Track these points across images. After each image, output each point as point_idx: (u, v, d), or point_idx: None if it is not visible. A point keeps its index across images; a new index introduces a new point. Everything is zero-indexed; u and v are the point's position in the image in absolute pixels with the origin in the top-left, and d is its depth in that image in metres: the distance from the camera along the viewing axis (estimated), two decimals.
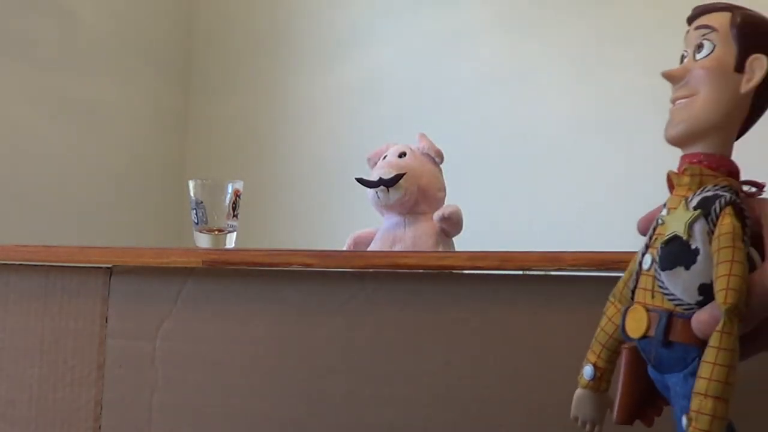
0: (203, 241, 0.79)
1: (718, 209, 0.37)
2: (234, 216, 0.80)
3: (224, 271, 0.64)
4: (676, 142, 0.41)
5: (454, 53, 1.64)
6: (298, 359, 0.61)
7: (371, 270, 0.60)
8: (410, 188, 0.81)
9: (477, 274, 0.59)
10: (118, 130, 1.75)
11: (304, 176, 1.82)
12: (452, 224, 0.81)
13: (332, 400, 0.60)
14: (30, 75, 1.52)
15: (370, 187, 0.82)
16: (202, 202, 0.79)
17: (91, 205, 1.64)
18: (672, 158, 0.41)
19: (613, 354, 0.43)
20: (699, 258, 0.37)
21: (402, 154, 0.85)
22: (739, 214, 0.38)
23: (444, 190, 0.86)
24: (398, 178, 0.81)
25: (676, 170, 0.41)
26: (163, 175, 1.88)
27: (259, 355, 0.62)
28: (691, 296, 0.37)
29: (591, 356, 0.44)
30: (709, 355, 0.35)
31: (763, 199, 0.40)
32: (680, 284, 0.37)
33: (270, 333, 0.62)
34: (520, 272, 0.59)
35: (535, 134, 1.51)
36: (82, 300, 0.66)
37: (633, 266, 0.42)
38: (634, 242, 0.43)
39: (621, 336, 0.42)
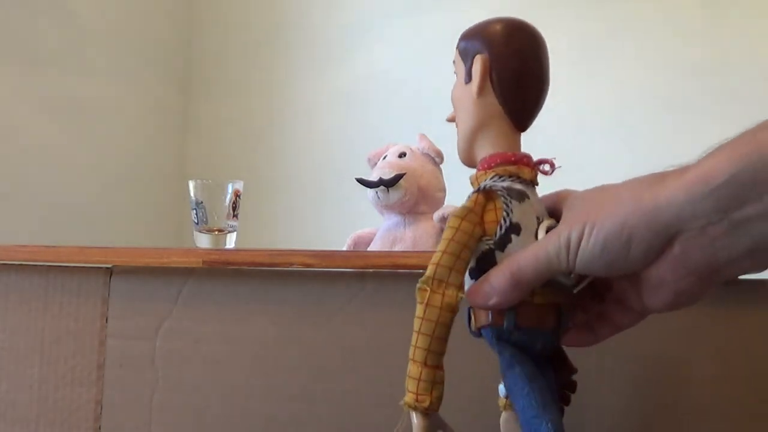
0: (203, 241, 0.79)
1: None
2: (234, 216, 0.80)
3: (224, 271, 0.64)
4: (465, 164, 0.44)
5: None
6: (298, 359, 0.61)
7: (371, 270, 0.60)
8: (410, 188, 0.81)
9: None
10: (119, 131, 1.75)
11: (304, 176, 1.82)
12: None
13: (332, 400, 0.60)
14: (30, 75, 1.52)
15: (370, 187, 0.82)
16: (202, 202, 0.79)
17: (91, 205, 1.64)
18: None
19: None
20: None
21: (402, 155, 0.85)
22: (487, 196, 0.40)
23: (444, 190, 0.86)
24: (398, 178, 0.81)
25: None
26: (163, 175, 1.88)
27: (259, 355, 0.62)
28: None
29: None
30: None
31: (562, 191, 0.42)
32: None
33: (270, 333, 0.62)
34: None
35: (535, 133, 1.51)
36: (82, 300, 0.66)
37: None
38: None
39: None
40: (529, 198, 0.40)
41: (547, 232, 0.38)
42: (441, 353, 0.38)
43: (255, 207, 1.47)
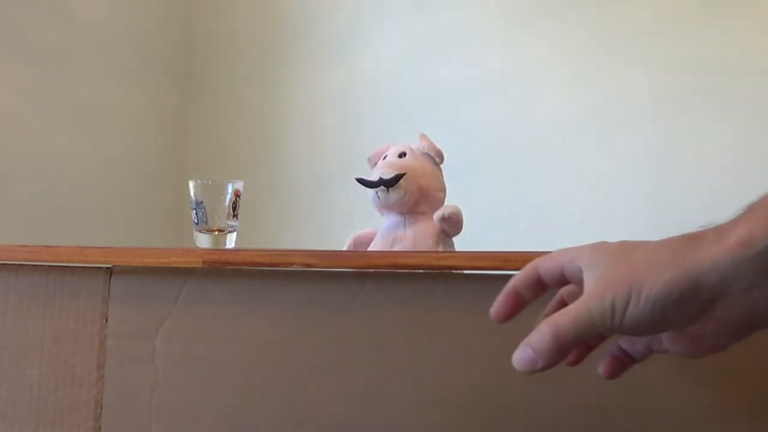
0: (203, 241, 0.79)
1: None
2: (234, 216, 0.80)
3: (224, 271, 0.64)
4: None
5: (454, 53, 1.64)
6: (298, 359, 0.61)
7: (371, 270, 0.60)
8: (410, 188, 0.81)
9: (477, 274, 0.59)
10: (119, 130, 1.75)
11: (304, 176, 1.82)
12: (452, 224, 0.81)
13: (332, 400, 0.60)
14: (30, 75, 1.52)
15: (370, 187, 0.82)
16: (202, 202, 0.79)
17: (92, 205, 1.64)
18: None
19: None
20: None
21: (402, 154, 0.85)
22: None
23: (444, 190, 0.86)
24: (398, 178, 0.81)
25: None
26: (163, 175, 1.88)
27: (259, 355, 0.62)
28: None
29: None
30: None
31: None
32: None
33: (270, 333, 0.62)
34: None
35: (534, 134, 1.51)
36: (82, 300, 0.66)
37: None
38: None
39: None
40: None
41: None
42: None
43: (255, 207, 1.47)
